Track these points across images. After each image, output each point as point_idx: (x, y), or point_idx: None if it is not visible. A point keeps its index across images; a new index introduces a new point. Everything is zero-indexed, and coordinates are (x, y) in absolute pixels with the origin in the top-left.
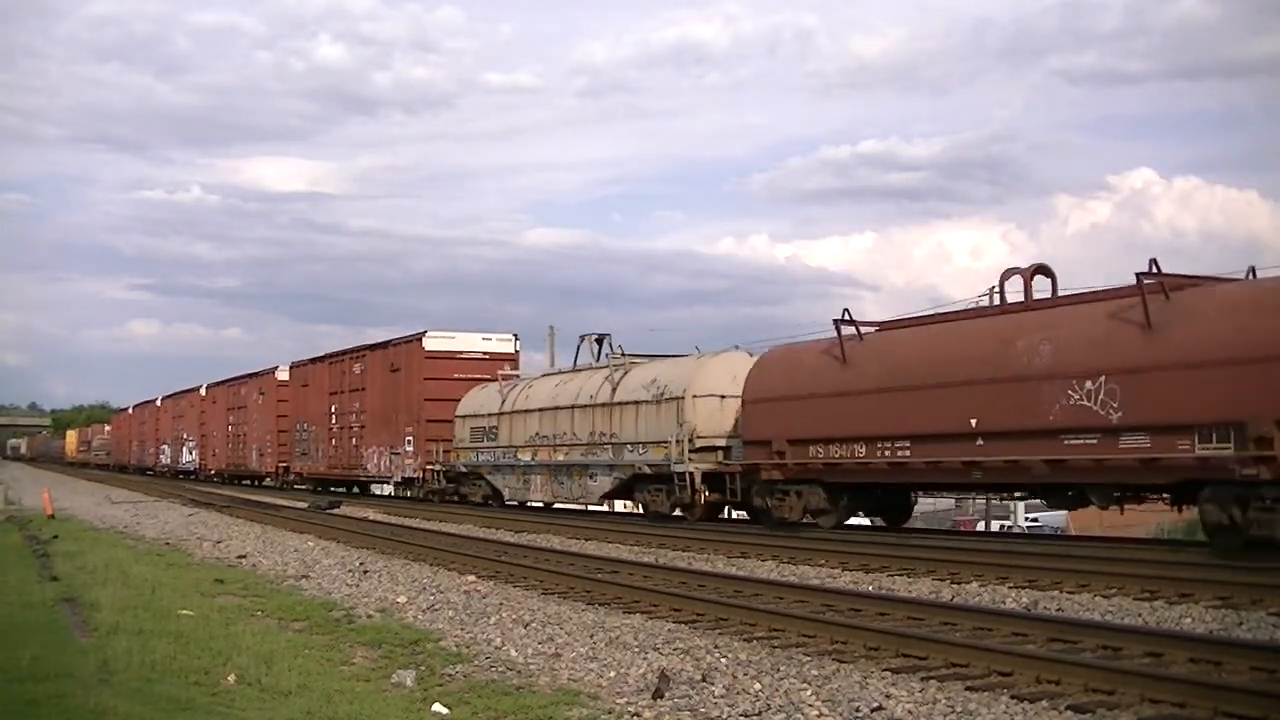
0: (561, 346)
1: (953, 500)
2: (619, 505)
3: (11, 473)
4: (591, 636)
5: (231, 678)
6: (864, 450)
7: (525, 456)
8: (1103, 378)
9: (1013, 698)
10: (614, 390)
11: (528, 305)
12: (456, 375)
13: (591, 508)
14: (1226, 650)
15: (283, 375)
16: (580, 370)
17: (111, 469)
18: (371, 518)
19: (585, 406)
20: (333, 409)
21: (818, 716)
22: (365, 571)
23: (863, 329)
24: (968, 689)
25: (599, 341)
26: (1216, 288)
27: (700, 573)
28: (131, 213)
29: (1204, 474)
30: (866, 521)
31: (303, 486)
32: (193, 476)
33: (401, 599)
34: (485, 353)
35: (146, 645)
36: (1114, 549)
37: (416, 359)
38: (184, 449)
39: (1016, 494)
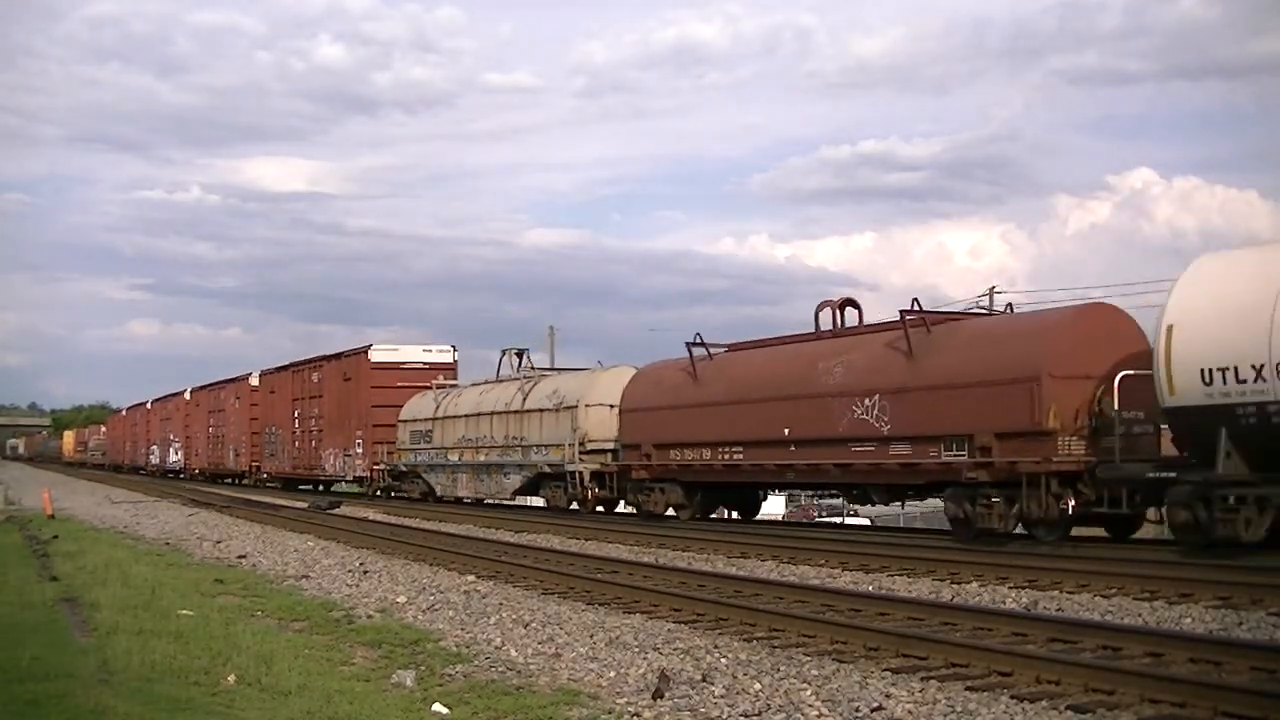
0: (561, 347)
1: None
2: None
3: (11, 473)
4: (591, 636)
5: (231, 678)
6: (709, 454)
7: (454, 457)
8: (877, 396)
9: (1013, 698)
10: (524, 399)
11: (528, 305)
12: (399, 384)
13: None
14: (1226, 650)
15: (254, 382)
16: (501, 381)
17: (107, 469)
18: (371, 518)
19: (501, 413)
20: (295, 414)
21: (818, 716)
22: (365, 571)
23: (713, 350)
24: (968, 689)
25: (519, 355)
26: (965, 323)
27: (700, 573)
28: (131, 213)
29: (945, 476)
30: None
31: (273, 484)
32: (180, 476)
33: (401, 599)
34: (425, 363)
35: (146, 645)
36: (1114, 549)
37: (364, 369)
38: (170, 449)
39: (820, 491)
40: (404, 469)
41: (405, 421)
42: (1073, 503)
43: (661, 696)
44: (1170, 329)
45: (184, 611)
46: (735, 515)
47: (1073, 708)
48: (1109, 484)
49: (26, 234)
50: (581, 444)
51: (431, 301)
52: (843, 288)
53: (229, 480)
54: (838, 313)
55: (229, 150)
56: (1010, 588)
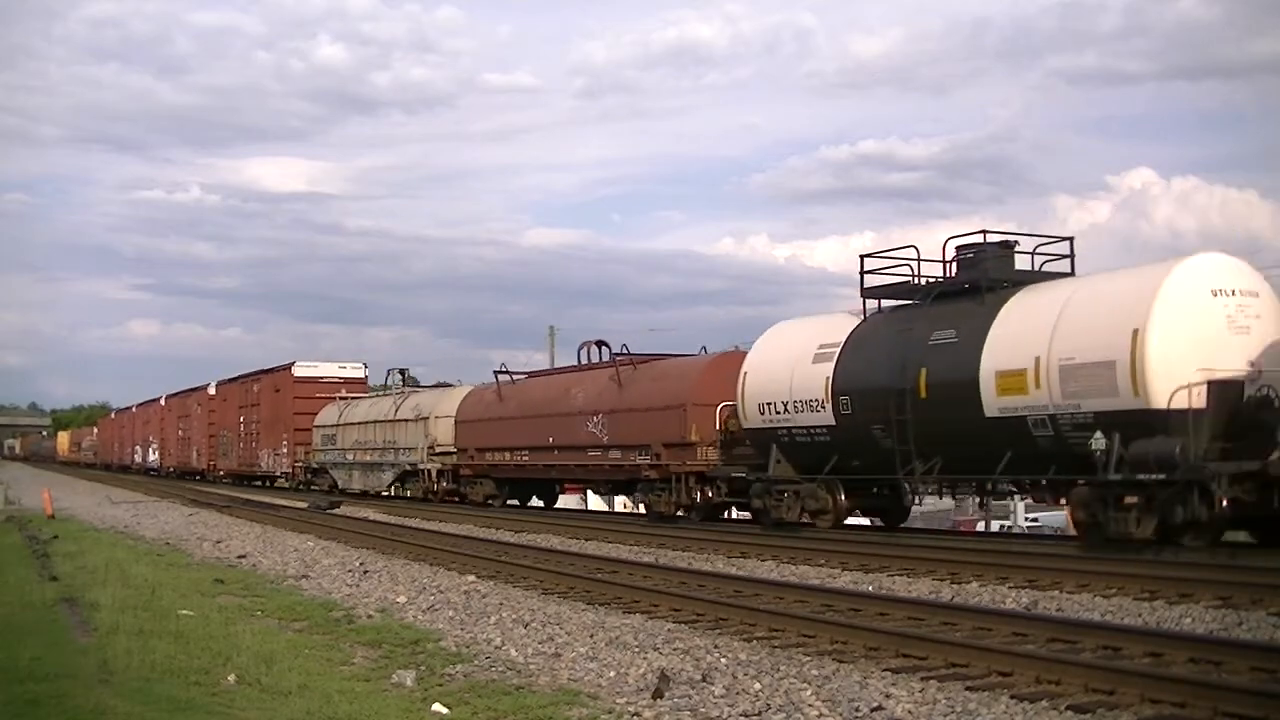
0: (562, 347)
1: (952, 500)
2: (619, 505)
3: (11, 473)
4: (591, 636)
5: (231, 678)
6: (508, 456)
7: (350, 456)
8: (599, 415)
9: (1013, 698)
10: (396, 411)
11: (528, 305)
12: (318, 395)
13: (599, 508)
14: (1226, 650)
15: (212, 391)
16: (387, 395)
17: (98, 467)
18: (371, 518)
19: (380, 422)
20: (241, 419)
21: (818, 716)
22: (365, 571)
23: (515, 376)
24: (968, 689)
25: (401, 373)
26: (655, 363)
27: (700, 573)
28: (131, 213)
29: (639, 474)
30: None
31: (226, 480)
32: (156, 473)
33: (401, 599)
34: (340, 378)
35: (146, 645)
36: (1114, 549)
37: (289, 382)
38: (150, 450)
39: (568, 485)
40: (316, 466)
41: (318, 427)
42: (710, 493)
43: (661, 696)
44: (745, 375)
45: (184, 611)
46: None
47: (1073, 708)
48: (718, 480)
49: (26, 234)
50: (431, 448)
51: (431, 301)
52: (842, 288)
53: (195, 477)
54: (590, 350)
55: (229, 150)
56: (1010, 588)
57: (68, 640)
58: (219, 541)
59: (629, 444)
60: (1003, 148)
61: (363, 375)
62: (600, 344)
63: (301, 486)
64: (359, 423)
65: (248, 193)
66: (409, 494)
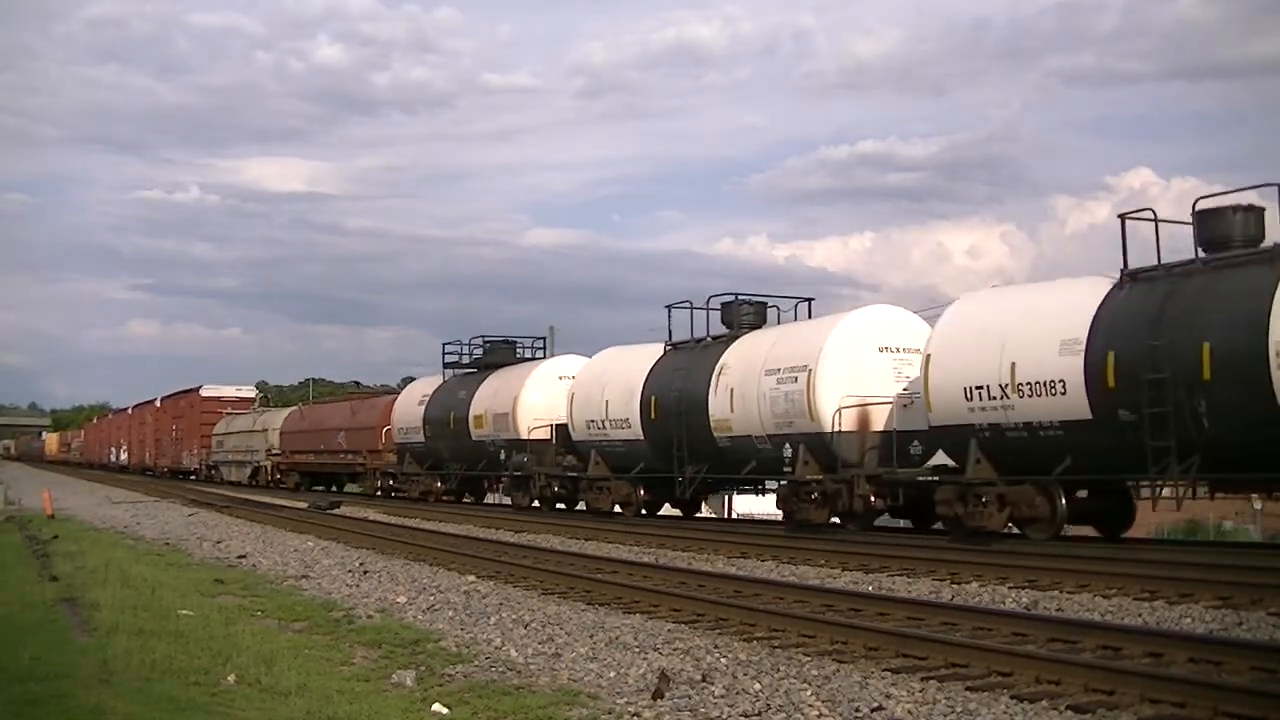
0: (562, 346)
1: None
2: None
3: (11, 473)
4: (591, 636)
5: (231, 678)
6: (303, 456)
7: (229, 456)
8: (342, 432)
9: (1013, 698)
10: (254, 423)
11: (528, 305)
12: (219, 410)
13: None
14: (1226, 650)
15: (158, 404)
16: (258, 411)
17: (84, 466)
18: (371, 518)
19: (245, 431)
20: (173, 427)
21: (818, 716)
22: (365, 571)
23: (316, 402)
24: (968, 689)
25: (265, 394)
26: (371, 399)
27: (700, 573)
28: (131, 213)
29: (356, 469)
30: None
31: (164, 474)
32: (126, 471)
33: (401, 599)
34: (237, 397)
35: (146, 645)
36: (1114, 549)
37: (199, 400)
38: (120, 451)
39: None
40: (212, 463)
41: (214, 435)
42: (391, 482)
43: (661, 696)
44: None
45: (184, 611)
46: (334, 489)
47: (1073, 708)
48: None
49: (26, 234)
50: (269, 450)
51: (431, 301)
52: (842, 288)
53: (148, 473)
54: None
55: (228, 151)
56: (1010, 588)
57: (68, 640)
58: (219, 541)
59: (354, 449)
60: (1002, 148)
61: (251, 395)
62: (399, 384)
63: (204, 477)
64: (234, 432)
65: (247, 193)
66: (256, 482)
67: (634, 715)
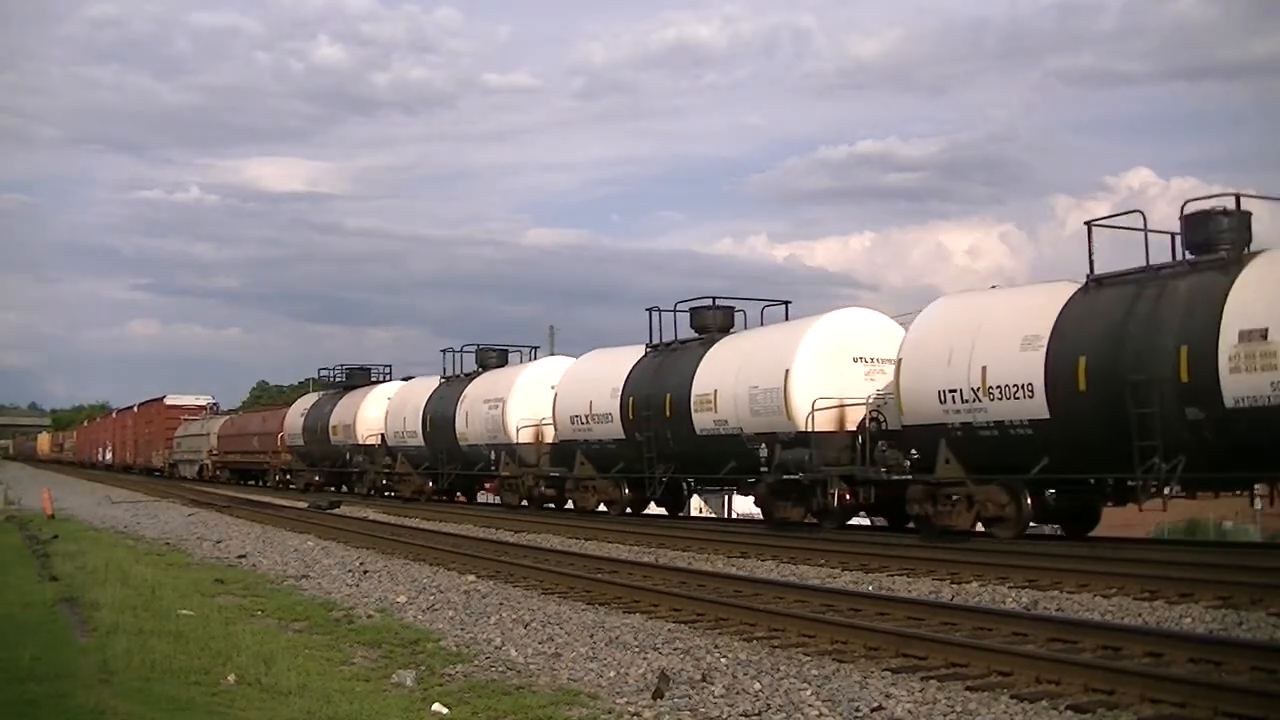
0: (562, 347)
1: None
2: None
3: (11, 473)
4: (591, 636)
5: (231, 678)
6: (235, 456)
7: (184, 456)
8: (257, 436)
9: (1013, 698)
10: (202, 427)
11: (528, 305)
12: (179, 417)
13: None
14: (1226, 650)
15: (135, 410)
16: (206, 417)
17: (75, 465)
18: (371, 518)
19: (191, 435)
20: (146, 430)
21: (818, 716)
22: (365, 571)
23: (243, 411)
24: (968, 689)
25: (215, 402)
26: (276, 410)
27: (700, 573)
28: (131, 213)
29: (261, 468)
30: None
31: (140, 471)
32: (110, 468)
33: (401, 599)
34: (196, 405)
35: (146, 645)
36: (1114, 549)
37: (163, 408)
38: (106, 451)
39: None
40: (173, 462)
41: (175, 438)
42: (288, 478)
43: (661, 696)
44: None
45: (184, 611)
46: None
47: (1073, 708)
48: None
49: (26, 234)
50: (210, 451)
51: (431, 301)
52: (842, 288)
53: (129, 470)
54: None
55: (228, 150)
56: (1010, 588)
57: (68, 640)
58: (219, 541)
59: (264, 450)
60: (1001, 148)
61: (209, 403)
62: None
63: (167, 474)
64: (189, 435)
65: (247, 193)
66: (201, 478)
67: (634, 715)
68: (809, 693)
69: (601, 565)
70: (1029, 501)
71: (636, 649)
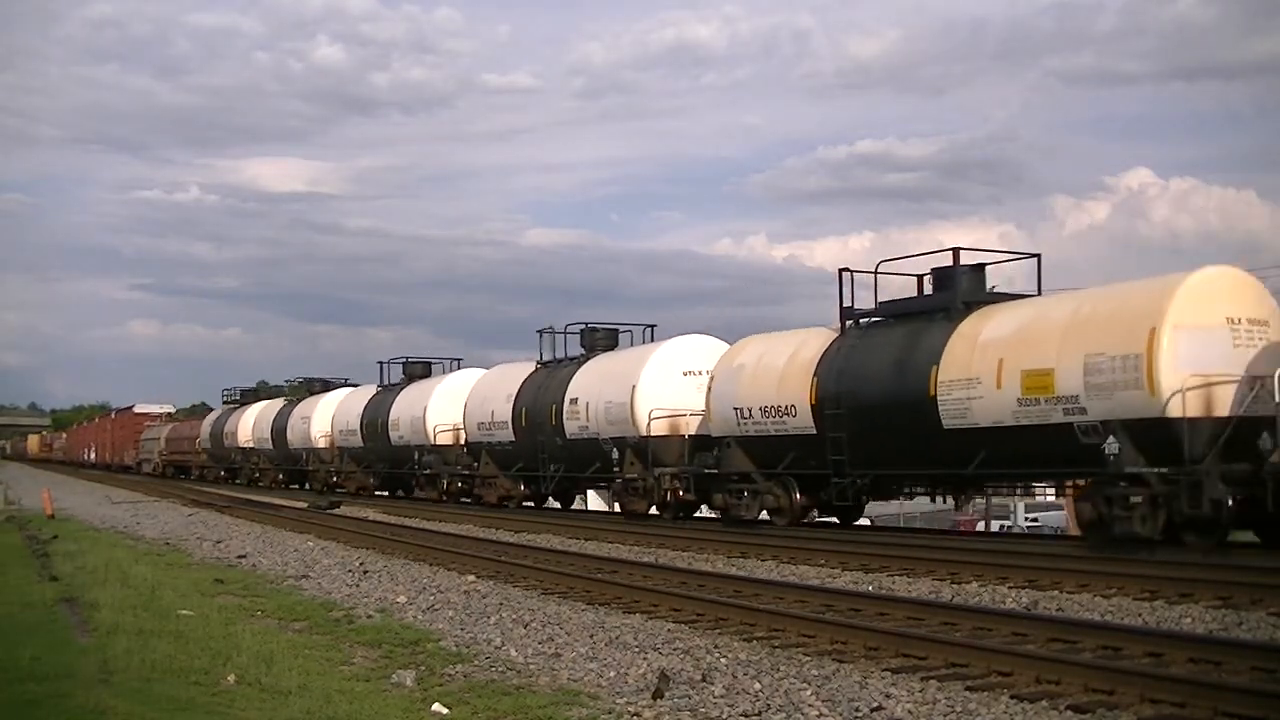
0: (562, 347)
1: (953, 501)
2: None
3: (11, 473)
4: (591, 636)
5: (231, 678)
6: (176, 456)
7: (146, 455)
8: (187, 439)
9: (1013, 698)
10: (158, 432)
11: (527, 305)
12: (145, 423)
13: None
14: (1226, 650)
15: (113, 417)
16: (162, 424)
17: (64, 464)
18: (371, 518)
19: (154, 439)
20: (121, 434)
21: (818, 716)
22: (365, 571)
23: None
24: (968, 689)
25: (174, 409)
26: (198, 420)
27: (700, 573)
28: (130, 213)
29: (189, 465)
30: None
31: (118, 469)
32: (94, 467)
33: (401, 599)
34: (159, 413)
35: (146, 645)
36: (1114, 549)
37: (133, 416)
38: (91, 451)
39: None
40: (139, 461)
41: (140, 440)
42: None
43: (661, 696)
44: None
45: (184, 611)
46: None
47: (1073, 708)
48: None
49: (26, 234)
50: (160, 453)
51: (431, 301)
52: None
53: (109, 468)
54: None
55: (228, 151)
56: (1010, 588)
57: (68, 640)
58: (219, 541)
59: (192, 451)
60: (1001, 148)
61: (172, 411)
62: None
63: (136, 471)
64: (150, 439)
65: (247, 193)
66: (154, 474)
67: (634, 715)
68: (809, 693)
69: (601, 565)
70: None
71: (636, 649)
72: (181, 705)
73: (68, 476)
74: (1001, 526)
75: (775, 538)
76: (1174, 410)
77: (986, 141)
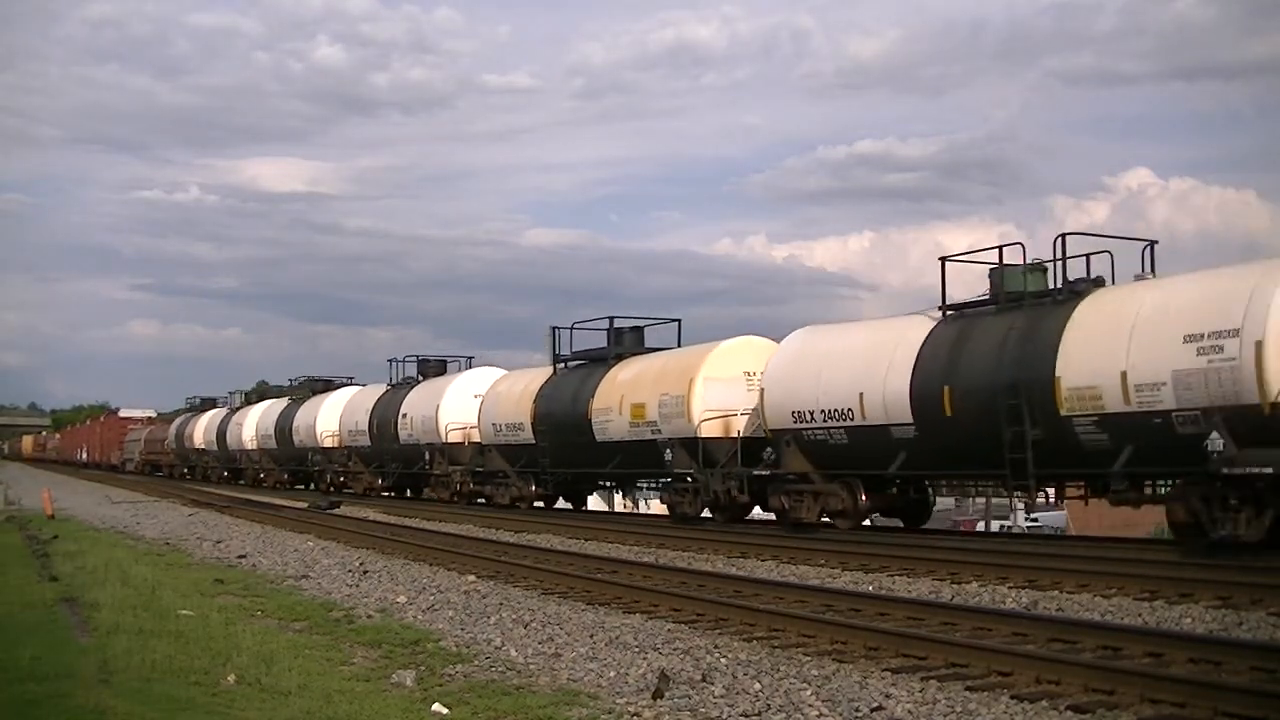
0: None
1: (953, 500)
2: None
3: (11, 473)
4: (591, 636)
5: (231, 678)
6: (150, 455)
7: (128, 455)
8: (158, 440)
9: (1013, 698)
10: (138, 435)
11: (527, 305)
12: (129, 427)
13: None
14: (1226, 650)
15: (103, 420)
16: (142, 427)
17: (58, 463)
18: (371, 518)
19: (135, 440)
20: (107, 436)
21: (818, 716)
22: (365, 571)
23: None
24: (968, 689)
25: (155, 414)
26: (169, 423)
27: (700, 573)
28: (130, 213)
29: (160, 464)
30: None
31: (107, 468)
32: (86, 466)
33: (401, 599)
34: (142, 417)
35: (146, 645)
36: (1114, 549)
37: (118, 420)
38: (83, 451)
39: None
40: (123, 460)
41: (124, 442)
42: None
43: (661, 696)
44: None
45: (184, 611)
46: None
47: (1073, 708)
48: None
49: (26, 234)
50: (140, 452)
51: (431, 301)
52: (841, 288)
53: (99, 466)
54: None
55: (227, 151)
56: (1010, 588)
57: (68, 640)
58: (219, 541)
59: (161, 452)
60: (1000, 148)
61: (153, 416)
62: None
63: (121, 469)
64: (131, 440)
65: (247, 193)
66: (134, 473)
67: (634, 715)
68: (809, 693)
69: (601, 565)
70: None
71: (636, 649)
72: (181, 705)
73: (68, 476)
74: (1001, 526)
75: (775, 537)
76: (702, 432)
77: (986, 142)
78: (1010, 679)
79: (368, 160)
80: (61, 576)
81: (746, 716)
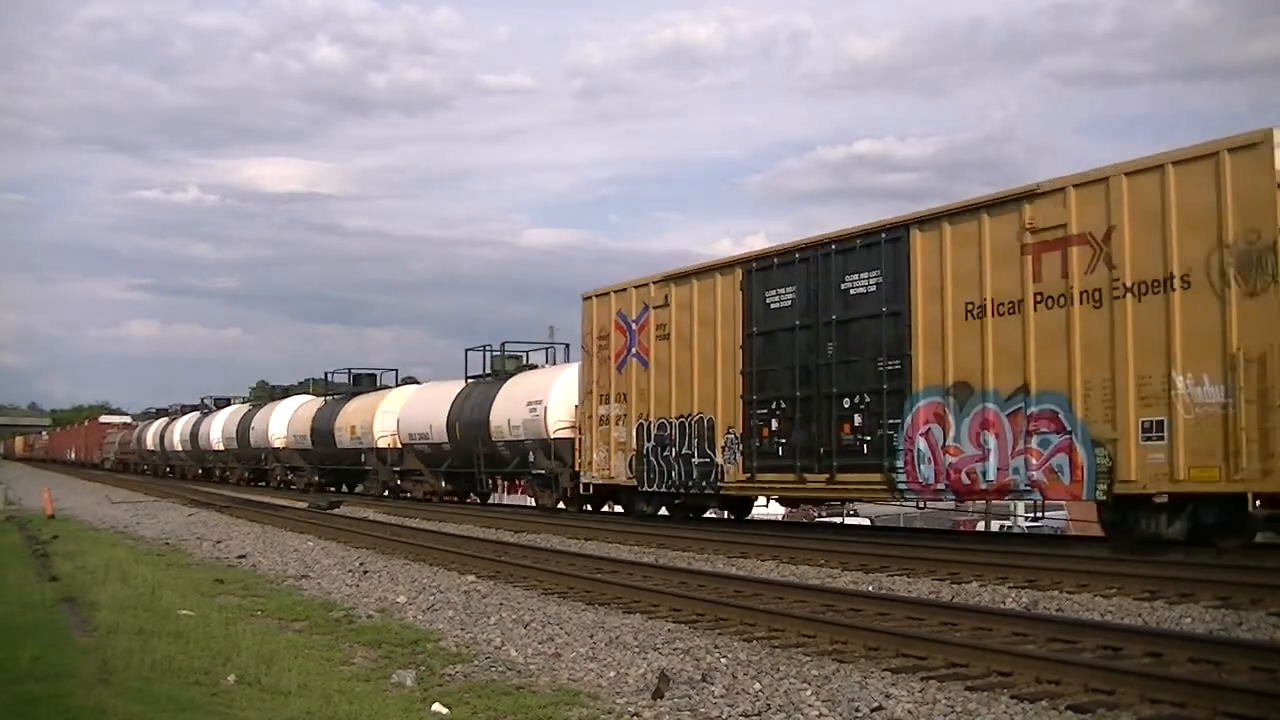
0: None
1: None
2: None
3: (11, 473)
4: (591, 636)
5: (231, 678)
6: (122, 455)
7: (106, 454)
8: (130, 441)
9: (1013, 698)
10: (115, 438)
11: (527, 305)
12: (109, 428)
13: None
14: (1226, 650)
15: (87, 424)
16: (120, 430)
17: (49, 462)
18: (371, 518)
19: (112, 442)
20: (91, 437)
21: (818, 716)
22: (365, 571)
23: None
24: (968, 689)
25: (146, 412)
26: (132, 429)
27: (700, 573)
28: (129, 213)
29: (130, 463)
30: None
31: (89, 466)
32: (72, 464)
33: (401, 599)
34: (120, 422)
35: (146, 645)
36: (1114, 549)
37: (99, 424)
38: (72, 451)
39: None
40: (103, 459)
41: (104, 443)
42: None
43: (661, 696)
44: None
45: (184, 611)
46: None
47: (1073, 708)
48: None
49: (26, 234)
50: (115, 452)
51: (430, 301)
52: None
53: (86, 465)
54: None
55: (226, 151)
56: (1010, 588)
57: (68, 640)
58: (219, 541)
59: (132, 452)
60: (999, 148)
61: (130, 420)
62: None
63: (104, 467)
64: (109, 442)
65: (246, 193)
66: (112, 470)
67: (634, 715)
68: (809, 693)
69: (601, 565)
70: None
71: (636, 649)
72: (181, 705)
73: (68, 476)
74: (1001, 526)
75: (776, 538)
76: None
77: (985, 142)
78: (1010, 679)
79: (367, 160)
80: (61, 576)
81: (746, 716)
